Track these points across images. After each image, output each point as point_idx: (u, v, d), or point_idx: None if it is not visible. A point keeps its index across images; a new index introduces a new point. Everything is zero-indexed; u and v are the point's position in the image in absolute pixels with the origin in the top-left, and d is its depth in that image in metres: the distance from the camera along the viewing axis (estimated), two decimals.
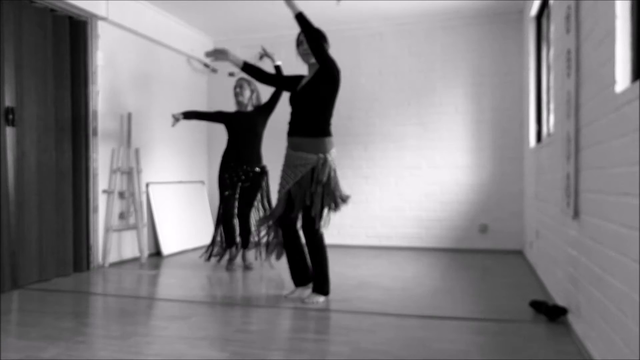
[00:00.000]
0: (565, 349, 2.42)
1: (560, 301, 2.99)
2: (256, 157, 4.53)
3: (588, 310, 2.30)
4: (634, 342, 1.65)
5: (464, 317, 2.97)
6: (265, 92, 4.56)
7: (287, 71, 4.43)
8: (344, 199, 3.34)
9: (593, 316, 2.20)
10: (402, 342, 2.53)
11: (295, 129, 3.33)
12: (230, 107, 4.95)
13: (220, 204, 4.57)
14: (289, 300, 3.38)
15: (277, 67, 4.49)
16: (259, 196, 4.57)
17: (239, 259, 4.73)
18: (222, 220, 4.57)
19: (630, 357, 1.67)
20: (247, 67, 3.43)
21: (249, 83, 4.55)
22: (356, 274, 4.28)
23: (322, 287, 3.38)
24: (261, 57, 4.68)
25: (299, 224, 3.38)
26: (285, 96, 3.64)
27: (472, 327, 2.81)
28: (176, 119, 4.46)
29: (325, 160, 3.24)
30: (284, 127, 3.42)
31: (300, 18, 3.16)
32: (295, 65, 3.67)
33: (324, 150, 3.26)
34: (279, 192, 3.36)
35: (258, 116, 4.52)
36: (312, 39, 3.17)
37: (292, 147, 3.34)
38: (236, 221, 4.57)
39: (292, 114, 3.38)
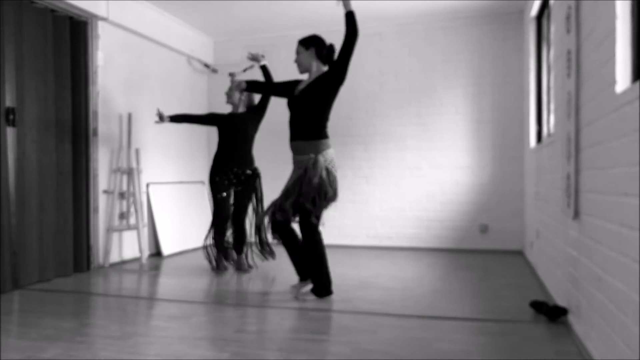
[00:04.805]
0: (565, 349, 2.42)
1: (560, 301, 2.99)
2: (247, 160, 4.40)
3: (588, 310, 2.30)
4: (634, 342, 1.65)
5: (464, 318, 2.97)
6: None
7: (287, 71, 4.44)
8: (332, 199, 3.34)
9: (593, 316, 2.20)
10: (403, 342, 2.53)
11: (295, 134, 3.40)
12: (229, 107, 4.94)
13: (215, 208, 4.41)
14: (293, 298, 3.41)
15: (264, 67, 4.26)
16: (253, 200, 4.42)
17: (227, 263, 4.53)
18: (217, 224, 4.38)
19: (631, 357, 1.67)
20: (251, 85, 3.65)
21: None
22: (356, 274, 4.28)
23: (319, 289, 3.41)
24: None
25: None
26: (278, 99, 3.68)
27: (472, 327, 2.81)
28: (160, 117, 4.33)
29: (315, 161, 3.27)
30: (280, 129, 3.43)
31: (352, 16, 3.23)
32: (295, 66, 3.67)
33: (315, 151, 3.30)
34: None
35: (249, 118, 4.40)
36: (355, 39, 3.25)
37: (293, 151, 3.44)
38: (229, 225, 4.41)
39: (291, 119, 3.44)
